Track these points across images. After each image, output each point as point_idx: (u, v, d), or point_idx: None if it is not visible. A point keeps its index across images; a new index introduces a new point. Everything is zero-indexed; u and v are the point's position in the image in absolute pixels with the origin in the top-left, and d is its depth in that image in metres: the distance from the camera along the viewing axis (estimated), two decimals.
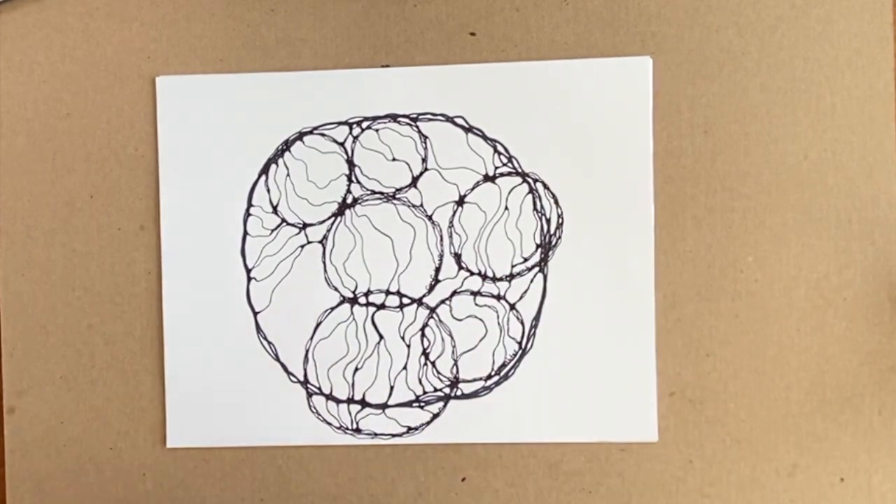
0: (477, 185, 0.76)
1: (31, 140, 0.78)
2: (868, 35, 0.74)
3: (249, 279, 0.77)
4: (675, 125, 0.75)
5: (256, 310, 0.77)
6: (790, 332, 0.75)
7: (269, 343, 0.77)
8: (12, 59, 0.78)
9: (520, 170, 0.75)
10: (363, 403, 0.77)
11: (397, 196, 0.76)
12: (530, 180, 0.75)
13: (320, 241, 0.77)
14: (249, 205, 0.77)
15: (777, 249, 0.75)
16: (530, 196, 0.76)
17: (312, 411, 0.77)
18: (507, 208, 0.76)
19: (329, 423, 0.77)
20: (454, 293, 0.76)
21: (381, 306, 0.77)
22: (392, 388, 0.77)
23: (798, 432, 0.75)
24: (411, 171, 0.76)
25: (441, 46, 0.76)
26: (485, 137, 0.76)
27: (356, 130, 0.76)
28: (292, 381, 0.77)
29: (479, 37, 0.76)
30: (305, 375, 0.77)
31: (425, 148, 0.76)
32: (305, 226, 0.77)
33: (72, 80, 0.78)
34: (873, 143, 0.74)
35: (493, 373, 0.76)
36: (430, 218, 0.76)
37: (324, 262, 0.77)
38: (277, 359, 0.77)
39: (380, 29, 0.77)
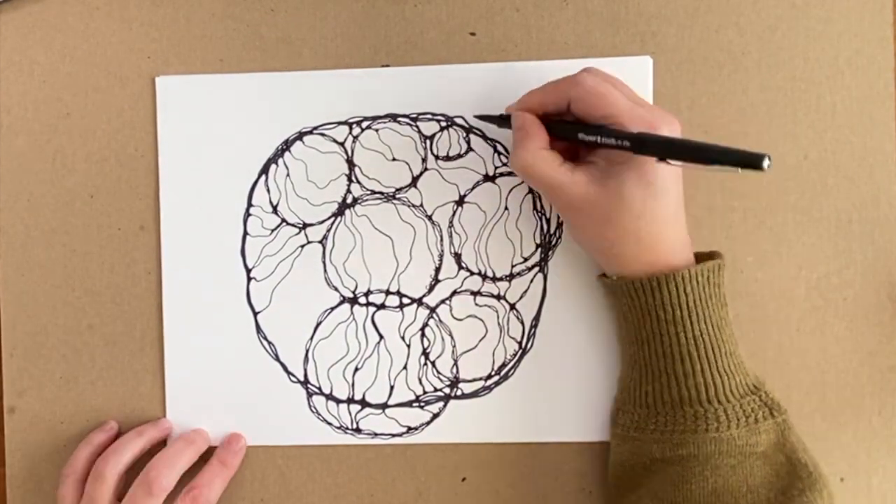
0: (477, 184, 0.76)
1: (31, 140, 0.78)
2: (868, 35, 0.74)
3: (249, 279, 0.77)
4: None
5: (256, 310, 0.77)
6: (790, 332, 0.75)
7: (269, 343, 0.77)
8: (12, 59, 0.78)
9: None
10: (363, 403, 0.77)
11: (397, 196, 0.76)
12: None
13: (320, 241, 0.77)
14: (249, 205, 0.77)
15: (777, 249, 0.75)
16: (530, 196, 0.75)
17: (313, 411, 0.77)
18: (506, 208, 0.76)
19: (329, 423, 0.77)
20: (454, 293, 0.76)
21: (381, 306, 0.77)
22: (392, 387, 0.77)
23: (798, 432, 0.74)
24: (411, 170, 0.76)
25: (441, 46, 0.76)
26: (485, 137, 0.76)
27: (356, 130, 0.76)
28: (292, 381, 0.77)
29: (479, 37, 0.76)
30: (305, 375, 0.77)
31: (425, 148, 0.76)
32: (305, 226, 0.77)
33: (72, 80, 0.78)
34: (873, 143, 0.74)
35: (492, 373, 0.76)
36: (430, 218, 0.76)
37: (324, 262, 0.77)
38: (277, 359, 0.77)
39: (380, 29, 0.77)
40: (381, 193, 0.76)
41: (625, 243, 0.67)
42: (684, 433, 0.67)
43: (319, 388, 0.77)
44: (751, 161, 0.57)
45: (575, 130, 0.67)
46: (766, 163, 0.56)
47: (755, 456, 0.67)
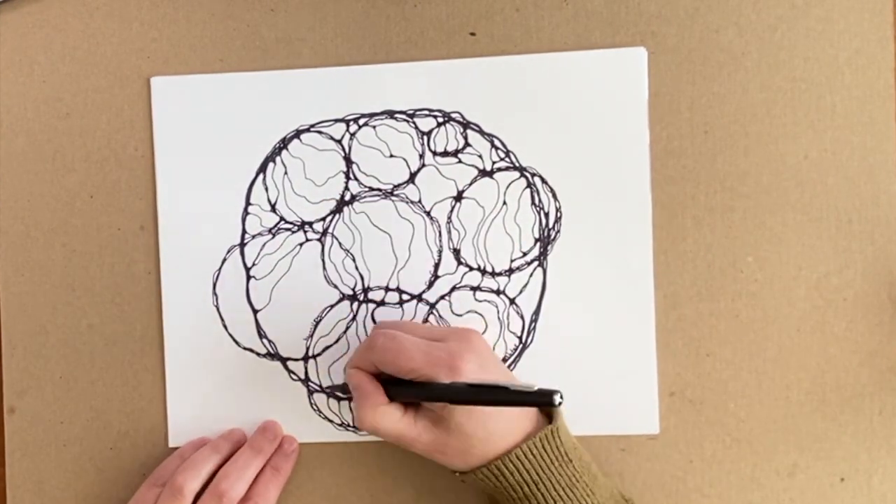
0: (475, 180, 0.76)
1: (31, 140, 0.78)
2: (868, 35, 0.74)
3: (249, 278, 0.77)
4: (674, 125, 0.75)
5: (256, 308, 0.77)
6: (790, 332, 0.75)
7: (269, 341, 0.77)
8: (12, 59, 0.79)
9: (517, 164, 0.75)
10: None
11: (395, 192, 0.76)
12: (528, 174, 0.75)
13: (319, 239, 0.77)
14: (248, 203, 0.77)
15: (777, 249, 0.75)
16: (528, 190, 0.76)
17: (314, 409, 0.77)
18: (505, 203, 0.76)
19: (330, 421, 0.77)
20: (454, 289, 0.76)
21: (381, 303, 0.77)
22: None
23: (798, 432, 0.74)
24: (409, 167, 0.76)
25: (441, 46, 0.76)
26: (482, 132, 0.76)
27: (353, 127, 0.76)
28: (293, 380, 0.77)
29: (479, 37, 0.76)
30: (306, 373, 0.77)
31: (423, 144, 0.76)
32: (304, 223, 0.77)
33: (72, 80, 0.78)
34: (873, 143, 0.74)
35: None
36: (428, 214, 0.76)
37: (323, 260, 0.77)
38: (278, 357, 0.77)
39: (380, 29, 0.77)
40: (379, 190, 0.76)
41: (476, 454, 0.68)
42: None
43: (320, 386, 0.77)
44: (544, 399, 0.61)
45: (395, 393, 0.69)
46: (557, 399, 0.61)
47: None
